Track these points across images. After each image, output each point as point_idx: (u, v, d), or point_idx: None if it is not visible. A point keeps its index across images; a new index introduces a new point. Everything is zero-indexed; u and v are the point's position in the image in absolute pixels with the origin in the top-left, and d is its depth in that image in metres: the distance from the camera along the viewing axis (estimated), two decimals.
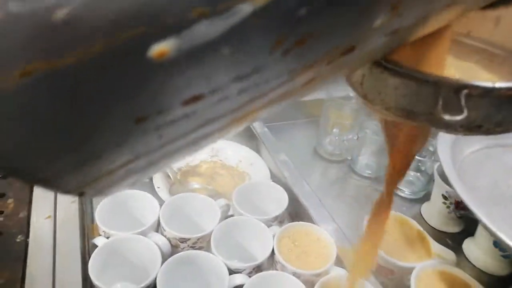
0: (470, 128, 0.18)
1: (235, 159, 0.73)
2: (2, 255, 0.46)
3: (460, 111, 0.18)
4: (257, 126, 0.75)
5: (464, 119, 0.18)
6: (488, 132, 0.18)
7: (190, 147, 0.15)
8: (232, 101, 0.13)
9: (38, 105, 0.10)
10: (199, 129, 0.14)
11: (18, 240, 0.47)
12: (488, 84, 0.17)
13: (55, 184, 0.12)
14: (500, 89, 0.17)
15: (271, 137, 0.72)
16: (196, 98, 0.12)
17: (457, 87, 0.17)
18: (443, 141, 0.59)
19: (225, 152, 0.74)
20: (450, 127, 0.18)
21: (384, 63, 0.19)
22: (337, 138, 0.74)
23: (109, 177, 0.13)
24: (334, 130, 0.74)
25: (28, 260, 0.45)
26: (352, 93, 0.84)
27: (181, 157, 0.15)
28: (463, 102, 0.18)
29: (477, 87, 0.17)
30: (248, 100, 0.14)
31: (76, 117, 0.11)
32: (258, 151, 0.72)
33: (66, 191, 0.13)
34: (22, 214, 0.50)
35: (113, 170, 0.13)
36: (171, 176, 0.65)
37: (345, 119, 0.76)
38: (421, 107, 0.19)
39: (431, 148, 0.72)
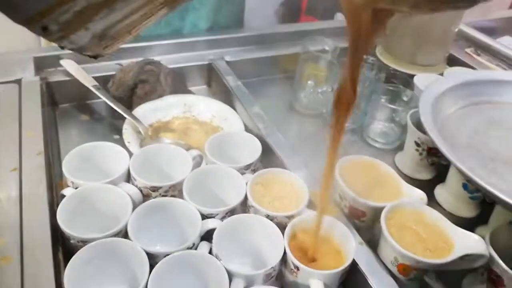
0: None
1: (208, 114, 0.72)
2: None
3: None
4: (231, 81, 0.73)
5: None
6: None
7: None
8: None
9: None
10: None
11: None
12: None
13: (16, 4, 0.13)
14: None
15: (246, 91, 0.71)
16: None
17: None
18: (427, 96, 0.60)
19: (198, 107, 0.72)
20: None
21: None
22: (311, 90, 0.73)
23: (66, 10, 0.14)
24: (309, 82, 0.73)
25: None
26: (327, 47, 0.83)
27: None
28: None
29: None
30: None
31: None
32: (232, 106, 0.71)
33: (27, 17, 0.14)
34: None
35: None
36: (142, 132, 0.64)
37: (320, 71, 0.75)
38: None
39: (405, 98, 0.72)
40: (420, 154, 0.65)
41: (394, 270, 0.46)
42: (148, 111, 0.68)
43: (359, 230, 0.50)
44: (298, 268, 0.43)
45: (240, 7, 0.92)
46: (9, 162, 0.49)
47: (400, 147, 0.70)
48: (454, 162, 0.47)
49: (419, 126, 0.61)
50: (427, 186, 0.65)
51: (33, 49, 0.73)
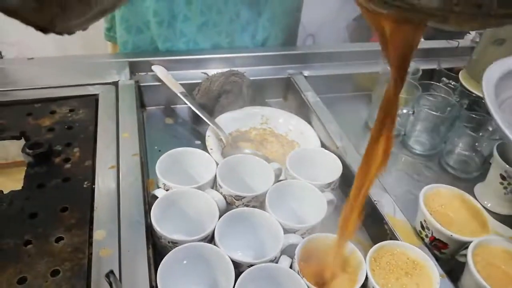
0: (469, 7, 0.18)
1: (285, 128, 0.73)
2: (72, 198, 0.48)
3: None
4: (309, 96, 0.74)
5: None
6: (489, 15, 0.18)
7: None
8: None
9: None
10: None
11: (85, 185, 0.50)
12: None
13: None
14: None
15: (324, 107, 0.72)
16: None
17: None
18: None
19: (276, 120, 0.74)
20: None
21: None
22: None
23: None
24: None
25: (95, 204, 0.47)
26: (409, 68, 0.82)
27: None
28: None
29: None
30: None
31: None
32: (309, 121, 0.72)
33: None
34: (87, 163, 0.53)
35: None
36: (224, 140, 0.66)
37: (400, 93, 0.74)
38: None
39: (490, 128, 0.69)
40: (505, 187, 0.62)
41: None
42: (229, 120, 0.71)
43: (438, 261, 0.49)
44: None
45: (295, 20, 0.92)
46: (108, 160, 0.53)
47: (479, 178, 0.68)
48: None
49: (505, 158, 0.59)
50: (509, 222, 0.62)
51: (128, 53, 0.78)
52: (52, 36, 0.24)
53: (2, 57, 1.37)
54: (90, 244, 0.43)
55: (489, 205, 0.64)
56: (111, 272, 0.29)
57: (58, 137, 0.56)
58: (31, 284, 0.39)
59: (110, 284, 0.29)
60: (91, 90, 0.65)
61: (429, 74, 0.84)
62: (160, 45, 0.79)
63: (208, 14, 0.78)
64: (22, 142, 0.56)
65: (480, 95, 0.79)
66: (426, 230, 0.51)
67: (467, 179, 0.69)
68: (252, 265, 0.43)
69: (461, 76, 0.83)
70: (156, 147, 0.66)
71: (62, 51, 1.42)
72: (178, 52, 0.79)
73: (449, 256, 0.52)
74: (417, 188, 0.59)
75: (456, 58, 0.91)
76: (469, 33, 0.99)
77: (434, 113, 0.69)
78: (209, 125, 0.67)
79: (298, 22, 0.94)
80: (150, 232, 0.47)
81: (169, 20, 0.77)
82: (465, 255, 0.46)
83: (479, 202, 0.65)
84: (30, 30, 0.22)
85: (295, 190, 0.53)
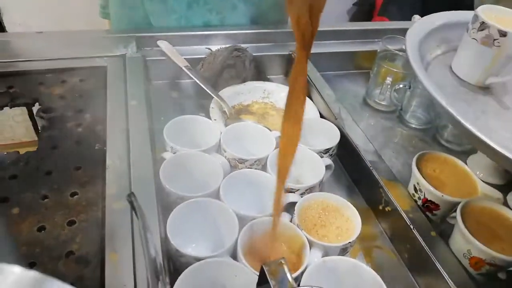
0: None
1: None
2: (84, 159, 0.51)
3: None
4: (310, 72, 0.77)
5: None
6: None
7: None
8: None
9: None
10: None
11: (96, 147, 0.53)
12: None
13: None
14: None
15: (323, 82, 0.74)
16: None
17: None
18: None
19: (277, 94, 0.76)
20: None
21: None
22: (389, 87, 0.75)
23: None
24: (388, 78, 0.75)
25: (107, 164, 0.50)
26: (404, 46, 0.84)
27: None
28: None
29: None
30: None
31: None
32: (309, 96, 0.75)
33: None
34: (98, 128, 0.56)
35: None
36: (227, 111, 0.69)
37: (397, 70, 0.77)
38: None
39: None
40: None
41: (466, 263, 0.48)
42: (232, 94, 0.73)
43: (430, 222, 0.52)
44: None
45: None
46: (118, 124, 0.56)
47: (472, 151, 0.70)
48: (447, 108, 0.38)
49: None
50: (499, 191, 0.65)
51: (135, 29, 0.80)
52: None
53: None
54: (103, 198, 0.46)
55: (481, 175, 0.67)
56: (132, 193, 0.32)
57: (70, 104, 0.59)
58: (49, 232, 0.42)
59: (131, 203, 0.31)
60: (99, 62, 0.67)
61: None
62: (153, 21, 0.81)
63: None
64: (29, 124, 0.59)
65: None
66: (419, 192, 0.54)
67: (461, 151, 0.72)
68: (255, 219, 0.46)
69: None
70: (162, 118, 0.69)
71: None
72: (182, 28, 0.81)
73: (441, 218, 0.55)
74: (412, 159, 0.62)
75: None
76: None
77: None
78: (212, 98, 0.69)
79: None
80: (160, 191, 0.50)
81: None
82: (455, 217, 0.49)
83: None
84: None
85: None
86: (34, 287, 0.16)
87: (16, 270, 0.16)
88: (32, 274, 0.16)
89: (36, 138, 0.56)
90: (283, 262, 0.29)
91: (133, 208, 0.31)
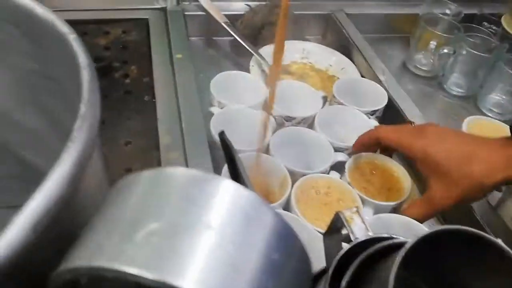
0: None
1: (325, 63, 0.74)
2: (135, 109, 0.51)
3: None
4: (352, 33, 0.75)
5: None
6: None
7: None
8: None
9: None
10: None
11: (145, 99, 0.53)
12: None
13: None
14: None
15: (366, 43, 0.73)
16: None
17: None
18: None
19: (316, 55, 0.75)
20: None
21: None
22: (433, 51, 0.73)
23: None
24: (431, 43, 0.73)
25: (158, 116, 0.50)
26: (449, 11, 0.82)
27: None
28: None
29: None
30: None
31: None
32: (350, 58, 0.73)
33: None
34: (145, 80, 0.56)
35: None
36: (267, 70, 0.68)
37: (440, 34, 0.74)
38: None
39: None
40: None
41: None
42: (270, 53, 0.72)
43: None
44: None
45: None
46: (164, 77, 0.56)
47: None
48: None
49: None
50: None
51: None
52: None
53: None
54: (157, 148, 0.46)
55: None
56: (223, 131, 0.33)
57: (115, 55, 0.59)
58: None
59: (223, 140, 0.32)
60: (141, 14, 0.66)
61: (470, 18, 0.83)
62: None
63: None
64: None
65: None
66: None
67: (503, 120, 0.71)
68: (305, 175, 0.46)
69: (503, 20, 0.82)
70: (201, 75, 0.68)
71: None
72: None
73: None
74: (453, 125, 0.62)
75: (498, 3, 0.90)
76: None
77: (476, 52, 0.69)
78: (252, 56, 0.68)
79: None
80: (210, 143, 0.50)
81: None
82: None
83: None
84: None
85: (342, 114, 0.56)
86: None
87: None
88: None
89: None
90: (357, 210, 0.29)
91: (225, 145, 0.32)
